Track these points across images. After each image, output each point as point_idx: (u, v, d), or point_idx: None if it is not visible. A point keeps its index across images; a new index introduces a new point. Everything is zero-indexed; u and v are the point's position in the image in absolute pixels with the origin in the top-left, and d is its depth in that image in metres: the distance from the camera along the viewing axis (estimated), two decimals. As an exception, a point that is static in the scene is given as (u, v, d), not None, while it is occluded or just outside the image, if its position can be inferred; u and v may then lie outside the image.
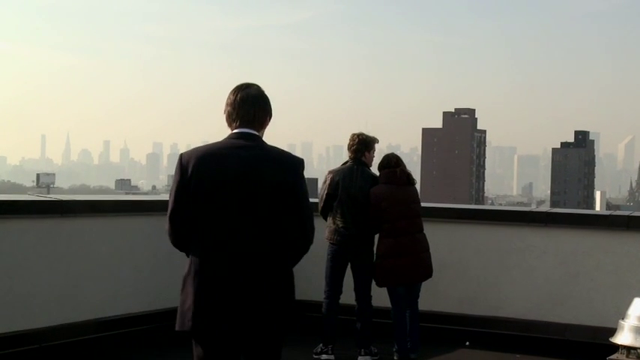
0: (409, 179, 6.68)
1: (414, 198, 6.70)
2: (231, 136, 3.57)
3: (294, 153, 3.68)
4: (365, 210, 6.58)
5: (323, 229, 6.81)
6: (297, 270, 7.67)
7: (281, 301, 3.52)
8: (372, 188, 6.60)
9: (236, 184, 3.45)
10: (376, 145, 6.86)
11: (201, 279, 3.49)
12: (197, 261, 3.51)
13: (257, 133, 3.59)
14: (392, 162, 6.70)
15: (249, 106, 3.57)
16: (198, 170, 3.46)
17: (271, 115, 3.68)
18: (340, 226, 6.66)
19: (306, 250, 3.67)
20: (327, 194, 6.71)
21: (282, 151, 3.64)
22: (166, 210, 3.58)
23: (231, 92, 3.63)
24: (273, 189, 3.48)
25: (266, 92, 3.69)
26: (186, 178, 3.48)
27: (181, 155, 3.55)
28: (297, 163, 3.59)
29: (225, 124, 3.63)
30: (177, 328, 3.59)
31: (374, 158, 6.87)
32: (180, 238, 3.60)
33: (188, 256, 3.59)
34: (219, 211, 3.46)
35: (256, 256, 3.47)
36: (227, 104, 3.61)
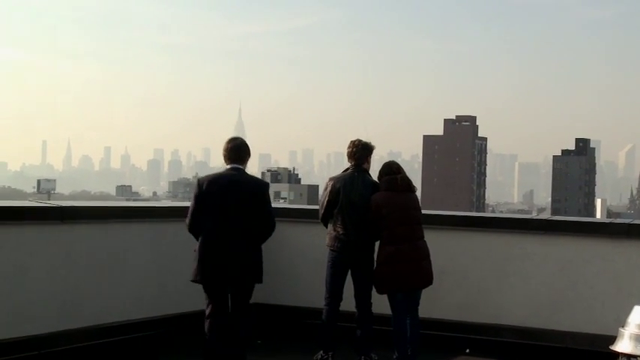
0: (410, 186, 6.69)
1: (415, 205, 6.71)
2: (227, 169, 6.03)
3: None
4: (366, 217, 6.59)
5: (324, 236, 6.84)
6: (299, 277, 7.70)
7: (254, 263, 5.94)
8: (373, 195, 6.61)
9: (230, 195, 5.88)
10: (376, 152, 6.89)
11: (206, 249, 5.84)
12: (205, 239, 5.86)
13: (242, 167, 6.04)
14: (392, 169, 6.71)
15: (236, 152, 6.04)
16: (208, 187, 5.93)
17: (250, 154, 6.12)
18: (341, 232, 6.67)
19: (269, 234, 6.06)
20: (327, 201, 6.72)
21: (255, 177, 6.27)
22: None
23: (226, 142, 6.04)
24: (250, 198, 5.93)
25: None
26: (202, 192, 5.91)
27: (198, 179, 6.01)
28: (264, 184, 6.18)
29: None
30: (191, 279, 5.91)
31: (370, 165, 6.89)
32: (195, 227, 5.93)
33: (197, 240, 5.90)
34: (219, 210, 5.86)
35: (240, 237, 5.85)
36: (224, 149, 6.04)
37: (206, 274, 5.84)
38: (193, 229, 5.95)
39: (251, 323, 6.22)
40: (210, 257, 5.81)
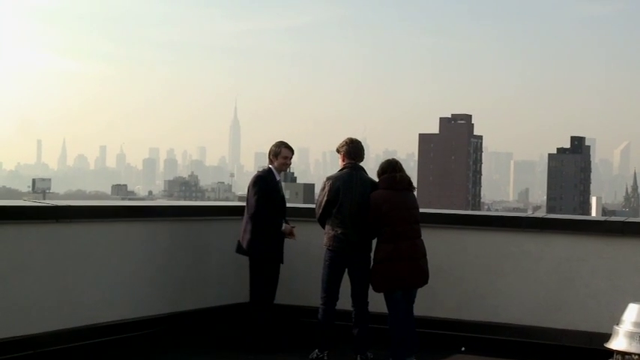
0: (409, 185, 6.68)
1: (414, 204, 6.70)
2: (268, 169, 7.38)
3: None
4: (365, 216, 6.58)
5: (321, 235, 6.84)
6: (295, 276, 7.67)
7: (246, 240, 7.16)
8: (372, 193, 6.60)
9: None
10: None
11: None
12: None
13: (271, 167, 7.27)
14: (392, 167, 6.69)
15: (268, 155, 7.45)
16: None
17: (276, 155, 7.28)
18: (339, 232, 6.65)
19: (251, 220, 7.12)
20: (327, 201, 6.69)
21: (258, 172, 7.47)
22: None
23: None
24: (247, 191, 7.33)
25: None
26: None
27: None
28: (252, 177, 7.30)
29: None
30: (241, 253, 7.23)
31: None
32: None
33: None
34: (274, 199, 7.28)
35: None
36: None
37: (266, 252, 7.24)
38: None
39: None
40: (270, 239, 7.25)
